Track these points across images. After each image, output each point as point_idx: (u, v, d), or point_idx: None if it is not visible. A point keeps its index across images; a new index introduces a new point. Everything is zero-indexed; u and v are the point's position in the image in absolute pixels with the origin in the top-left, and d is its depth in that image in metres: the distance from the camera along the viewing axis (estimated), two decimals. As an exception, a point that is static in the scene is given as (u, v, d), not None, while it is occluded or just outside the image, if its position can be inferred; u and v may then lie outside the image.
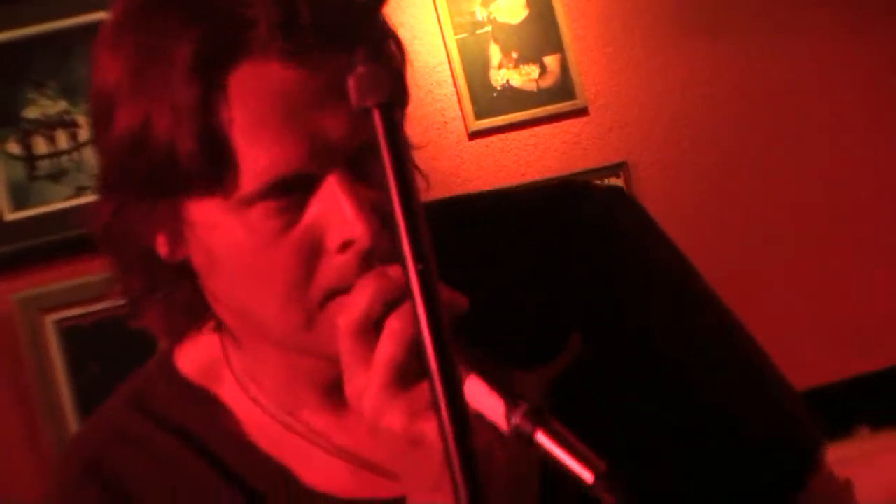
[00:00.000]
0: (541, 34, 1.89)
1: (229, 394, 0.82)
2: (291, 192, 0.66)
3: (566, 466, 0.59)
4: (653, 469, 0.79)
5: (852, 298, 1.79)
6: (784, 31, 2.00)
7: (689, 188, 1.79)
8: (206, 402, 0.83)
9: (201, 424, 0.83)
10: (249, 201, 0.64)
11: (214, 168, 0.64)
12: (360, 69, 0.50)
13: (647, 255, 0.87)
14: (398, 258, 0.51)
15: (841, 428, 1.69)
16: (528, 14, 1.84)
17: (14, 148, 1.79)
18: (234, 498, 0.81)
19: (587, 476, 0.59)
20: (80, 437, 0.96)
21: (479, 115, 1.70)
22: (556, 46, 1.90)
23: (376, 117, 0.50)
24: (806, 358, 1.68)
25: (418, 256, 0.50)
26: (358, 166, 0.65)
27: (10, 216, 1.79)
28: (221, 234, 0.69)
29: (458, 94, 1.71)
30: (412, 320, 0.53)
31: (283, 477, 0.81)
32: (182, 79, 0.63)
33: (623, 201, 0.93)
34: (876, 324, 1.80)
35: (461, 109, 1.71)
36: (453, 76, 1.70)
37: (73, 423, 1.77)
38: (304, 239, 0.66)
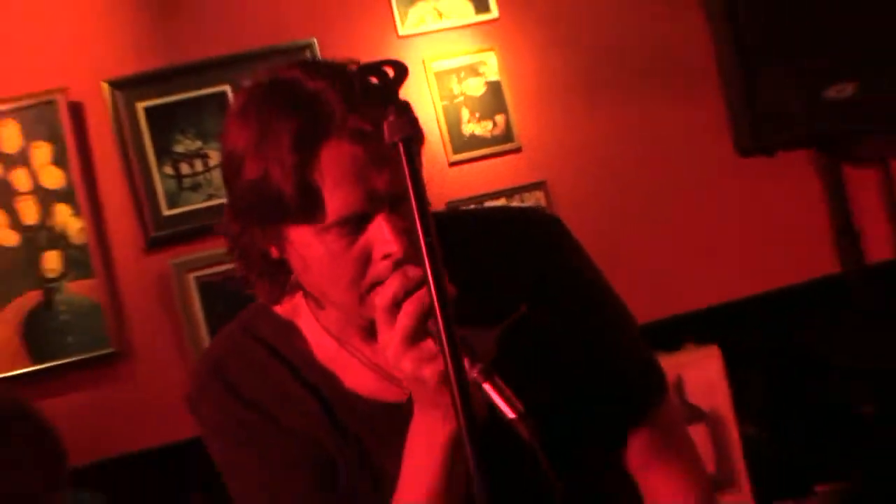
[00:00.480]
0: (493, 102, 2.61)
1: (306, 325, 1.12)
2: (354, 223, 0.94)
3: (499, 406, 0.88)
4: (562, 392, 1.11)
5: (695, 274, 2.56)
6: (654, 96, 2.66)
7: (592, 200, 2.54)
8: (289, 330, 1.13)
9: (286, 345, 1.13)
10: (328, 229, 0.93)
11: (307, 207, 0.92)
12: (391, 118, 0.82)
13: (569, 258, 1.19)
14: (418, 259, 0.82)
15: (676, 343, 2.45)
16: (485, 90, 2.60)
17: (168, 170, 2.50)
18: (306, 398, 1.11)
19: (510, 413, 0.88)
20: (208, 351, 1.27)
21: (455, 152, 2.48)
22: (503, 109, 2.61)
23: (401, 148, 0.82)
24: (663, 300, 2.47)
25: (430, 251, 0.81)
26: (396, 206, 0.94)
27: (167, 212, 2.50)
28: (311, 249, 0.97)
29: (442, 138, 2.47)
30: (422, 303, 0.88)
31: (335, 382, 1.10)
32: (287, 149, 0.91)
33: (558, 223, 1.22)
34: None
35: (444, 148, 2.47)
36: (439, 127, 2.47)
37: (206, 344, 2.38)
38: (360, 252, 0.95)
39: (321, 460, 1.11)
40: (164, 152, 2.47)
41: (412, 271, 0.94)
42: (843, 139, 2.48)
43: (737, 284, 2.54)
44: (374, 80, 0.93)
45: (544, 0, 2.67)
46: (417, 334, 0.93)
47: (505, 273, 1.15)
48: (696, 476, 1.30)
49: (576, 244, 1.22)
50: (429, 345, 0.93)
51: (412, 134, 0.87)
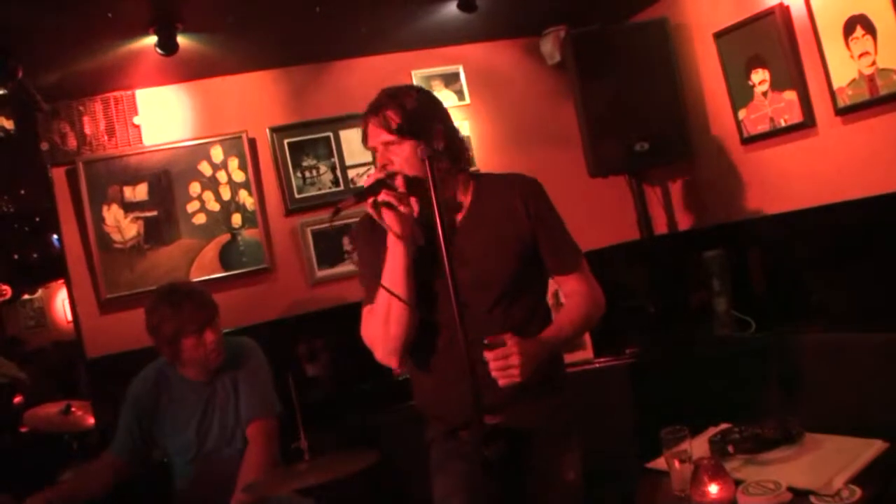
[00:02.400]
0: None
1: None
2: None
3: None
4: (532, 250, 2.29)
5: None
6: (548, 147, 4.48)
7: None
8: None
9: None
10: None
11: None
12: (421, 145, 2.07)
13: (540, 192, 2.30)
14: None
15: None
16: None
17: (298, 174, 4.12)
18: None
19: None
20: (360, 219, 2.36)
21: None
22: (469, 150, 4.34)
23: (426, 163, 1.95)
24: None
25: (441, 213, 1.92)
26: None
27: (297, 196, 4.11)
28: None
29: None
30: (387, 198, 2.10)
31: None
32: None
33: (537, 182, 2.32)
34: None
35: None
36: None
37: (315, 265, 4.17)
38: None
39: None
40: (296, 165, 4.22)
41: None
42: (644, 170, 4.25)
43: (590, 242, 4.09)
44: (430, 152, 1.97)
45: (492, 95, 4.52)
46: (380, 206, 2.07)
47: (515, 201, 2.24)
48: (594, 291, 2.35)
49: (544, 189, 2.31)
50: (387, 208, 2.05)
51: (433, 155, 1.92)
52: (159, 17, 3.39)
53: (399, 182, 2.13)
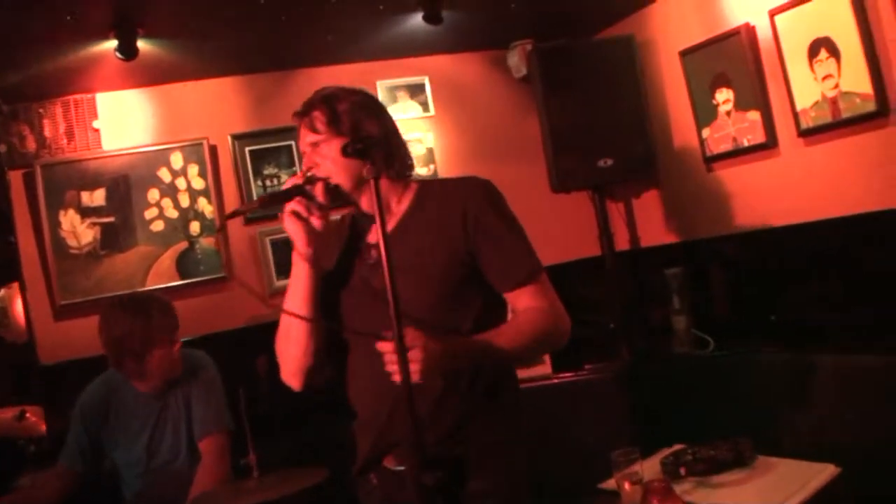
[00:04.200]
0: (429, 158, 4.25)
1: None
2: None
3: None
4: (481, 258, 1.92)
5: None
6: (511, 161, 4.46)
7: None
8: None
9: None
10: None
11: None
12: (369, 165, 1.68)
13: (491, 200, 1.95)
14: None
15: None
16: (425, 152, 4.23)
17: (259, 183, 4.05)
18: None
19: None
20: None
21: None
22: (434, 162, 4.26)
23: (371, 183, 1.64)
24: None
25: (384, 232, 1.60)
26: None
27: None
28: None
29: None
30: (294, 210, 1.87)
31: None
32: None
33: (486, 184, 1.99)
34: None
35: (403, 180, 4.35)
36: (401, 169, 4.36)
37: (274, 274, 4.23)
38: None
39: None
40: (257, 173, 4.16)
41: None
42: (607, 186, 4.24)
43: (550, 258, 4.20)
44: (359, 145, 1.72)
45: (457, 107, 4.49)
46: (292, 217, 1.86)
47: (449, 199, 1.94)
48: (554, 309, 1.95)
49: (495, 192, 1.99)
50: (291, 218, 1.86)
51: (378, 175, 1.65)
52: (120, 21, 3.31)
53: (318, 190, 1.93)
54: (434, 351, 1.72)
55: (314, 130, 1.97)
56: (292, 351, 2.00)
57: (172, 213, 4.04)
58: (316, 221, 1.91)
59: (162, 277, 3.99)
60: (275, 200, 2.00)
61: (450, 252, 1.92)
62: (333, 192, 1.95)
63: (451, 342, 1.81)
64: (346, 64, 4.31)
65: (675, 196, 4.30)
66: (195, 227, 4.06)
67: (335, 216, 2.09)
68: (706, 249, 4.07)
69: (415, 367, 1.65)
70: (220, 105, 4.20)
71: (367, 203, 2.01)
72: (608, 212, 4.25)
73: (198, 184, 4.09)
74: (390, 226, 1.99)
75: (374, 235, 1.93)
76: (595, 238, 4.21)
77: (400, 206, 2.02)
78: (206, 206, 4.09)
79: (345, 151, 1.75)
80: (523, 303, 1.95)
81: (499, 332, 1.91)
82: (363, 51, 4.18)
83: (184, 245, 4.04)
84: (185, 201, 4.07)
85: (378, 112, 2.03)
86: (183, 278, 4.02)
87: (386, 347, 1.67)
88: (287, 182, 1.95)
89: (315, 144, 1.97)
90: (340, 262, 2.07)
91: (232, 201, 4.15)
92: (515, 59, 4.48)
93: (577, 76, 4.05)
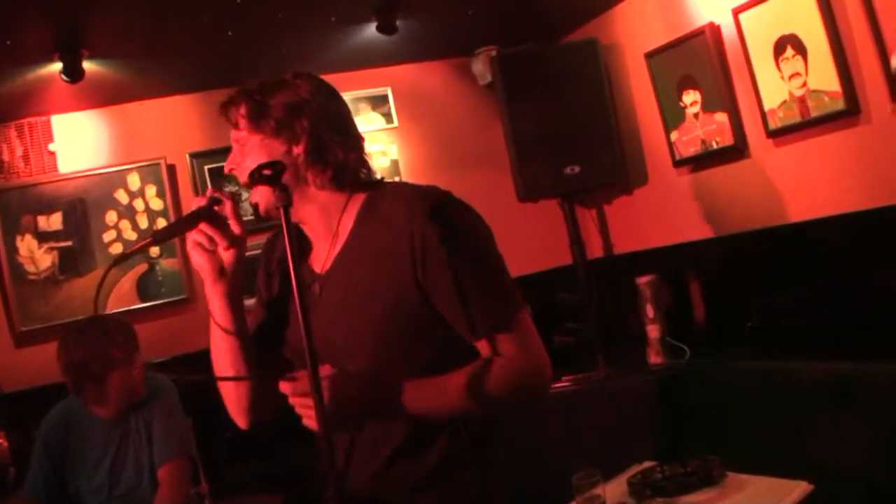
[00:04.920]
0: (394, 170, 4.17)
1: None
2: None
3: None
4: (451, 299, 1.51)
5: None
6: (476, 169, 4.46)
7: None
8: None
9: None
10: None
11: None
12: (277, 192, 1.40)
13: (449, 222, 1.53)
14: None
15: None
16: (389, 164, 4.16)
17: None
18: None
19: (236, 229, 1.60)
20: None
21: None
22: (399, 174, 4.16)
23: (282, 213, 1.38)
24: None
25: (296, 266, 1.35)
26: None
27: None
28: None
29: (367, 188, 4.25)
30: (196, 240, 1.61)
31: None
32: None
33: (444, 201, 1.57)
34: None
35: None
36: (365, 182, 4.25)
37: None
38: None
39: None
40: (216, 188, 4.04)
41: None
42: (575, 194, 4.12)
43: (519, 268, 4.11)
44: (267, 171, 1.45)
45: (422, 117, 4.42)
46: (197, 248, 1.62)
47: (399, 218, 1.55)
48: (528, 356, 1.56)
49: (451, 212, 1.57)
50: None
51: (288, 203, 1.40)
52: (62, 43, 3.22)
53: (228, 210, 1.63)
54: (346, 397, 1.46)
55: (234, 126, 1.67)
56: (225, 391, 1.77)
57: (131, 235, 3.96)
58: (225, 252, 1.65)
59: (123, 301, 3.91)
60: (173, 231, 1.71)
61: (395, 288, 1.56)
62: (254, 209, 1.65)
63: (373, 388, 1.53)
64: (309, 76, 4.18)
65: (646, 201, 4.22)
66: (154, 248, 3.94)
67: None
68: (680, 256, 3.98)
69: (309, 413, 1.41)
70: (176, 123, 4.11)
71: (307, 219, 1.69)
72: (580, 219, 4.16)
73: (156, 204, 4.01)
74: (333, 250, 1.67)
75: (318, 262, 1.69)
76: (566, 247, 4.10)
77: (344, 223, 1.66)
78: None
79: (252, 178, 1.51)
80: (489, 351, 1.58)
81: (447, 380, 1.55)
82: (321, 63, 4.05)
83: (144, 267, 3.96)
84: (143, 223, 3.99)
85: (319, 104, 1.65)
86: (144, 301, 3.94)
87: (286, 389, 1.45)
88: (193, 204, 1.66)
89: (235, 142, 1.68)
90: (283, 291, 1.78)
91: None
92: (480, 67, 4.39)
93: (541, 82, 3.96)
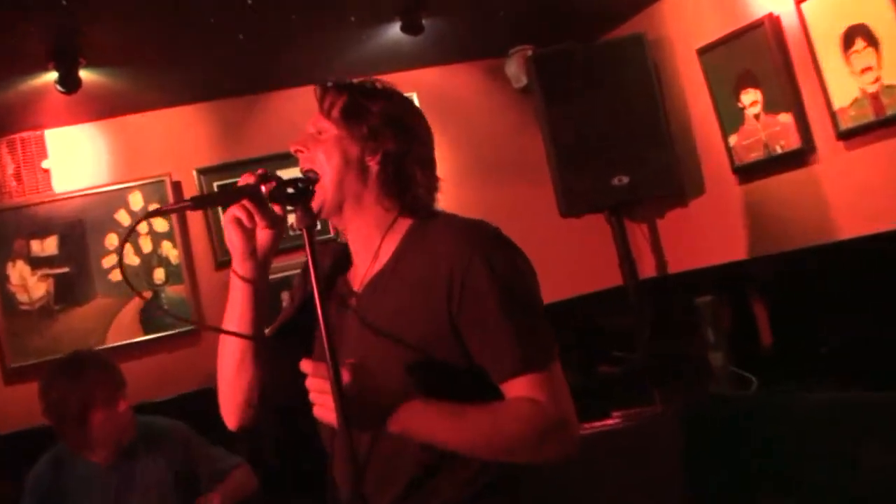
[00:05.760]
0: None
1: None
2: None
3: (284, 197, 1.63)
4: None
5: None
6: (521, 181, 4.46)
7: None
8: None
9: None
10: None
11: None
12: (298, 212, 1.57)
13: (492, 263, 1.63)
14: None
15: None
16: None
17: None
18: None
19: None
20: None
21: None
22: None
23: (304, 234, 1.52)
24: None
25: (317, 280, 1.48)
26: None
27: None
28: None
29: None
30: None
31: None
32: None
33: (491, 239, 1.69)
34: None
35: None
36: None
37: None
38: None
39: None
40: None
41: None
42: (624, 207, 4.13)
43: (563, 291, 4.11)
44: (291, 188, 1.61)
45: (451, 125, 4.39)
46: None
47: (440, 252, 1.66)
48: (551, 406, 1.61)
49: (497, 251, 1.69)
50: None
51: (311, 224, 1.53)
52: (57, 51, 3.28)
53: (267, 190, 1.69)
54: (370, 391, 1.53)
55: (325, 114, 1.79)
56: (227, 379, 1.83)
57: (133, 260, 4.01)
58: (262, 232, 1.74)
59: (124, 333, 3.94)
60: (215, 200, 1.80)
61: (426, 319, 1.67)
62: (293, 196, 1.67)
63: (395, 396, 1.58)
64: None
65: (704, 213, 4.20)
66: (159, 274, 4.02)
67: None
68: (744, 274, 3.95)
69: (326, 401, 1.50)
70: (182, 136, 4.17)
71: (352, 232, 1.83)
72: (630, 235, 4.18)
73: (161, 226, 4.06)
74: (371, 271, 1.80)
75: (357, 279, 1.81)
76: (615, 266, 4.12)
77: (387, 244, 1.79)
78: (170, 251, 4.05)
79: (272, 196, 1.64)
80: (512, 393, 1.65)
81: (467, 408, 1.61)
82: (343, 67, 4.10)
83: (148, 295, 3.98)
84: (147, 246, 4.03)
85: (414, 133, 1.82)
86: (147, 333, 3.97)
87: (307, 367, 1.53)
88: (240, 180, 1.71)
89: (319, 133, 1.79)
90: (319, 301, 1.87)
91: (201, 245, 4.12)
92: (514, 68, 4.40)
93: (583, 83, 3.99)
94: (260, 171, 1.69)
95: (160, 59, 3.55)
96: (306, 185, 1.64)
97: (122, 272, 1.84)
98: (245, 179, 1.69)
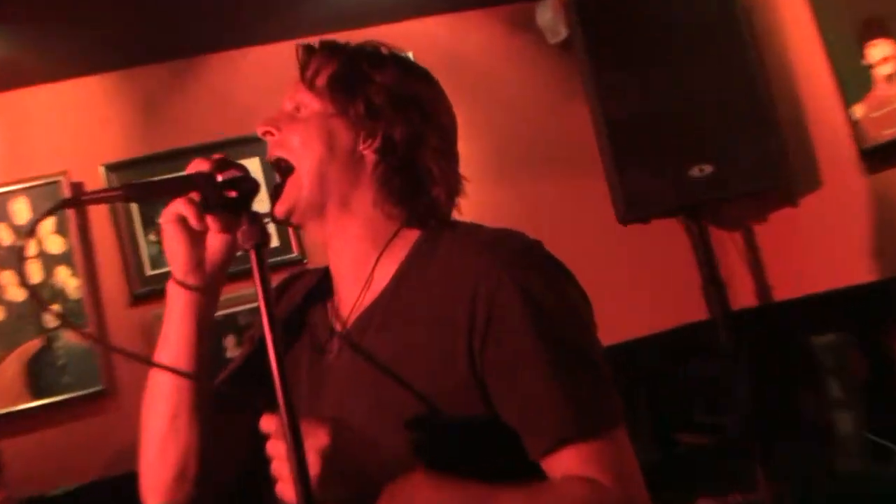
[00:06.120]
0: None
1: None
2: None
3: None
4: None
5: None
6: (561, 173, 4.39)
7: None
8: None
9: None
10: None
11: None
12: (244, 227, 1.42)
13: (530, 292, 1.60)
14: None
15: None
16: None
17: (152, 237, 3.96)
18: None
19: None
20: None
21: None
22: None
23: (252, 254, 1.38)
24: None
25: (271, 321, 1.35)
26: None
27: (150, 272, 3.99)
28: None
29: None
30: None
31: None
32: None
33: (527, 255, 1.67)
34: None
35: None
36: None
37: None
38: None
39: None
40: (149, 222, 4.07)
41: None
42: (708, 206, 4.04)
43: (624, 329, 4.01)
44: (232, 193, 1.53)
45: (459, 96, 4.31)
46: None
47: (458, 274, 1.65)
48: (614, 490, 1.55)
49: (536, 273, 1.66)
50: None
51: (262, 241, 1.43)
52: None
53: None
54: (334, 462, 1.44)
55: (308, 84, 1.77)
56: (154, 443, 1.77)
57: (16, 295, 3.98)
58: (215, 237, 1.71)
59: (4, 398, 3.93)
60: (154, 190, 1.73)
61: (439, 362, 1.64)
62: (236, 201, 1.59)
63: (382, 465, 1.52)
64: (285, 41, 4.19)
65: (821, 216, 4.16)
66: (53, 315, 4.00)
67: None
68: (878, 300, 3.86)
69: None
70: (85, 119, 4.16)
71: (336, 247, 1.81)
72: (717, 248, 4.16)
73: (55, 246, 4.05)
74: (363, 300, 1.78)
75: (341, 314, 1.80)
76: (696, 292, 4.08)
77: (384, 265, 1.78)
78: (68, 280, 4.05)
79: (203, 204, 1.60)
80: (560, 470, 1.58)
81: (494, 491, 1.54)
82: (305, 20, 4.11)
83: (36, 344, 3.98)
84: (37, 274, 4.03)
85: (422, 109, 1.79)
86: (37, 397, 3.97)
87: (268, 425, 1.44)
88: (190, 166, 1.64)
89: (297, 109, 1.78)
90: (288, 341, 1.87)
91: (110, 271, 4.09)
92: (549, 16, 4.40)
93: (645, 39, 3.94)
94: (216, 157, 1.61)
95: (54, 15, 3.54)
96: (247, 186, 1.54)
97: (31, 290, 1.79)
98: (196, 166, 1.61)
